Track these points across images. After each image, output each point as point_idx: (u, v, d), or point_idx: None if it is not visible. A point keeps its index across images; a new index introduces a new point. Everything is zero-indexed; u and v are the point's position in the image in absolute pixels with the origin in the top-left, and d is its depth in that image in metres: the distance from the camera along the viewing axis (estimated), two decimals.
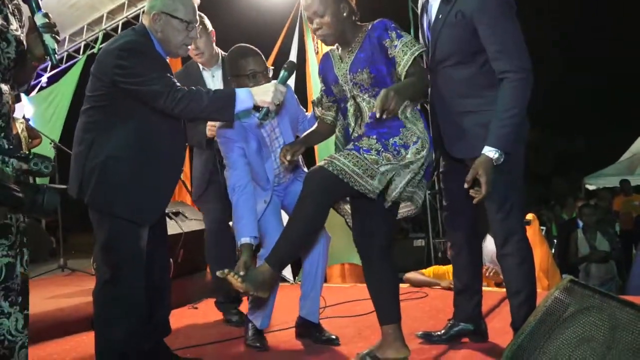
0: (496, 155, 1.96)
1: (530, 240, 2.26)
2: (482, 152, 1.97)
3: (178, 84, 1.98)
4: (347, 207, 2.23)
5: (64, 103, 6.54)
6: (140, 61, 1.92)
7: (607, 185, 10.88)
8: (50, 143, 5.08)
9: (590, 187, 11.77)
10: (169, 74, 1.98)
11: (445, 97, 2.14)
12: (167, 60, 2.08)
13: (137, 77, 1.90)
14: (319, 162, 1.99)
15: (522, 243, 2.10)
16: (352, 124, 2.14)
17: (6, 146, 1.60)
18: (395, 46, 2.01)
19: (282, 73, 2.13)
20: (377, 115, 1.83)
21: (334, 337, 2.47)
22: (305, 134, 2.31)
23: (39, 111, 6.69)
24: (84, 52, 7.04)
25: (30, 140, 5.17)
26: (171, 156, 2.08)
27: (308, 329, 2.53)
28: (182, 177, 3.75)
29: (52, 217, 1.56)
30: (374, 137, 2.00)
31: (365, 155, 1.94)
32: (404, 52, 2.00)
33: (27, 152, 1.54)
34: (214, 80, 2.94)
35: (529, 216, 3.73)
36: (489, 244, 2.36)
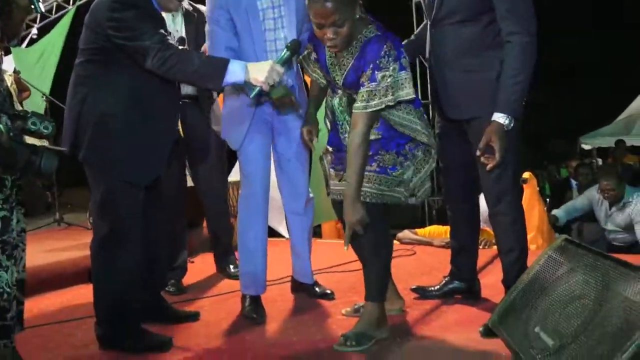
0: (506, 122, 1.96)
1: (528, 198, 2.28)
2: (493, 118, 1.97)
3: (172, 41, 1.91)
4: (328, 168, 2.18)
5: (54, 55, 6.39)
6: (134, 14, 1.85)
7: (603, 145, 10.87)
8: (42, 97, 4.99)
9: (586, 147, 11.77)
10: (162, 30, 1.91)
11: (445, 56, 2.10)
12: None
13: (128, 30, 1.84)
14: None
15: (514, 202, 2.12)
16: (345, 115, 2.03)
17: None
18: (363, 85, 1.88)
19: (283, 52, 2.02)
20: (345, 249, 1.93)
21: (328, 291, 2.51)
22: (310, 104, 2.23)
23: (28, 64, 6.54)
24: (73, 3, 6.85)
25: (19, 93, 5.07)
26: (166, 115, 2.04)
27: (302, 284, 2.57)
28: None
29: (47, 180, 1.53)
30: (394, 151, 1.98)
31: (393, 173, 1.96)
32: (359, 98, 1.89)
33: (25, 111, 1.49)
34: (174, 21, 2.77)
35: (526, 175, 3.74)
36: (482, 203, 2.37)
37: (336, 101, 2.06)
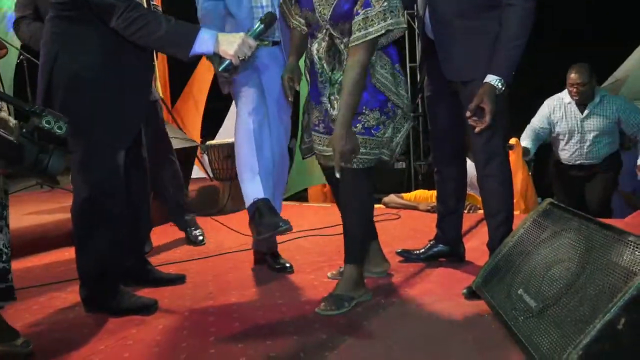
0: (499, 85, 1.95)
1: (512, 164, 2.28)
2: (486, 80, 1.95)
3: (139, 0, 1.81)
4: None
5: None
6: None
7: None
8: (20, 56, 4.83)
9: None
10: None
11: (443, 16, 2.05)
12: None
13: None
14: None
15: (503, 165, 2.13)
16: (323, 63, 1.96)
17: None
18: (358, 13, 1.80)
19: (257, 25, 1.92)
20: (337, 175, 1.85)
21: (288, 265, 2.41)
22: (291, 53, 2.12)
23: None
24: None
25: None
26: (139, 73, 1.98)
27: (264, 254, 2.46)
28: (161, 95, 3.62)
29: (53, 182, 1.47)
30: (377, 109, 1.93)
31: (377, 134, 1.92)
32: (360, 25, 1.80)
33: (42, 108, 1.42)
34: None
35: (512, 141, 3.74)
36: (468, 168, 2.38)
37: (314, 47, 1.98)
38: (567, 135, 3.83)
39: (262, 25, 1.92)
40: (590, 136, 3.76)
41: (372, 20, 1.79)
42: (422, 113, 6.03)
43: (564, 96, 3.81)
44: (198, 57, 2.31)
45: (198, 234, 3.05)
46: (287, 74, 2.06)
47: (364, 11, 1.78)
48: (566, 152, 3.90)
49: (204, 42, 1.79)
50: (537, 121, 3.96)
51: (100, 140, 1.87)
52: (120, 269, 2.06)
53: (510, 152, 3.43)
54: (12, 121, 1.60)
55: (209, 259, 2.68)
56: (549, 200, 1.88)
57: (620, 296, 1.25)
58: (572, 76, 3.68)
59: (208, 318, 1.92)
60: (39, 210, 3.52)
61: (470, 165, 2.31)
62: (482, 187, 2.17)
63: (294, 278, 2.32)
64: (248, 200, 2.05)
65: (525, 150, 3.90)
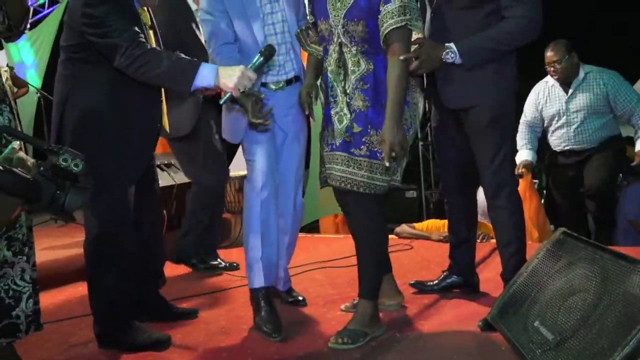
0: (451, 55, 1.99)
1: (522, 193, 2.27)
2: (446, 44, 1.98)
3: (143, 39, 1.86)
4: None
5: (46, 49, 6.35)
6: (107, 10, 1.81)
7: None
8: (37, 93, 4.96)
9: None
10: (136, 28, 1.85)
11: (445, 37, 2.06)
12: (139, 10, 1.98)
13: (99, 27, 1.80)
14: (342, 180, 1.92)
15: (513, 195, 2.12)
16: (333, 76, 1.96)
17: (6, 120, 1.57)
18: (380, 12, 1.85)
19: (256, 57, 1.92)
20: (387, 164, 1.84)
21: (300, 298, 2.41)
22: (308, 73, 2.15)
23: (19, 60, 6.51)
24: None
25: (16, 90, 5.03)
26: (147, 110, 2.02)
27: (276, 290, 2.42)
28: None
29: (69, 219, 1.51)
30: (382, 130, 1.90)
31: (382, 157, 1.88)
32: (382, 21, 1.85)
33: (59, 146, 1.47)
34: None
35: (522, 170, 3.72)
36: (480, 196, 2.37)
37: (326, 63, 2.00)
38: (554, 120, 3.51)
39: (261, 58, 1.94)
40: (577, 117, 3.41)
41: (392, 13, 1.84)
42: (431, 142, 6.05)
43: (548, 79, 3.52)
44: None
45: (226, 261, 3.16)
46: (305, 89, 2.10)
47: (384, 7, 1.85)
48: (554, 138, 3.58)
49: (204, 77, 1.83)
50: (528, 112, 3.63)
51: (108, 175, 1.91)
52: (133, 304, 2.06)
53: (520, 180, 3.42)
54: (30, 160, 1.64)
55: (221, 293, 2.67)
56: (562, 229, 1.87)
57: (639, 328, 1.23)
58: (548, 55, 3.39)
59: (222, 354, 1.91)
60: (53, 245, 3.56)
61: (481, 193, 2.31)
62: (492, 217, 2.16)
63: (307, 311, 2.31)
64: (250, 283, 2.15)
65: (527, 163, 3.57)
